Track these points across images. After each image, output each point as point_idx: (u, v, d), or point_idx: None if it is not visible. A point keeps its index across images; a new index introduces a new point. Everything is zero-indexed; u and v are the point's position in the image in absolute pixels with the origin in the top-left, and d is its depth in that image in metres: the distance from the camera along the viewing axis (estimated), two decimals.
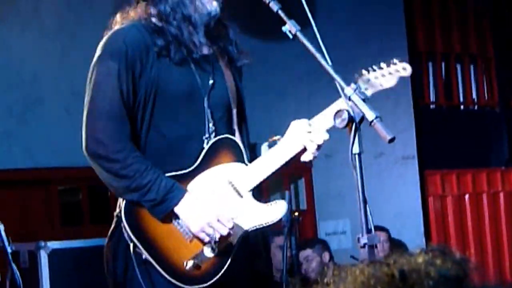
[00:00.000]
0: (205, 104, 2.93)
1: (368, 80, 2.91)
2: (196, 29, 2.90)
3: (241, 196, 2.93)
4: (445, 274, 0.90)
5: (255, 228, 2.94)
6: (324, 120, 2.94)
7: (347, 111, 2.49)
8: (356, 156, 2.55)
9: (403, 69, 2.82)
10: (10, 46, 5.71)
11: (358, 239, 2.55)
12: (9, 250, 3.53)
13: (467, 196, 8.05)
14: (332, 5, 7.24)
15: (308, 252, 5.90)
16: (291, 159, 2.98)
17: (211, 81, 2.96)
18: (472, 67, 8.36)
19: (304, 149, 2.95)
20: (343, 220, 7.04)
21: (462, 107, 8.36)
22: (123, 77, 2.82)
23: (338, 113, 2.51)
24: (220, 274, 2.87)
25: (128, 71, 2.82)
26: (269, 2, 2.71)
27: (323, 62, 2.60)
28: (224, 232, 2.85)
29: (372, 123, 2.46)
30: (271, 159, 2.97)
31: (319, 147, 2.98)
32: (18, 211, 5.58)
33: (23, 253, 4.75)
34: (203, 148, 2.90)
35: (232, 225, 2.87)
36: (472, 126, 8.15)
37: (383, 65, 2.86)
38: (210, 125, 2.93)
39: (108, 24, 2.95)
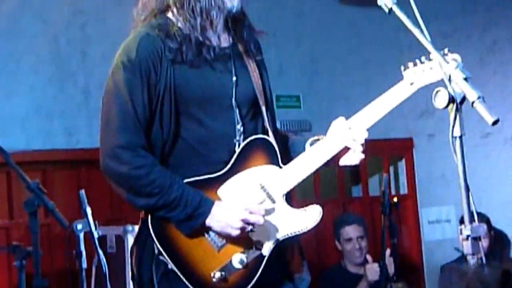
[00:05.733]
0: (233, 104, 2.86)
1: (415, 73, 2.82)
2: (212, 25, 2.83)
3: (274, 202, 2.85)
4: None
5: (288, 236, 2.86)
6: (365, 117, 2.86)
7: (448, 90, 2.41)
8: (457, 139, 2.45)
9: (452, 60, 2.65)
10: None
11: (461, 230, 2.47)
12: (95, 235, 3.55)
13: None
14: None
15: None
16: (329, 160, 2.90)
17: (234, 78, 2.88)
18: None
19: (345, 150, 2.88)
20: (448, 207, 6.88)
21: None
22: (137, 88, 2.76)
23: (438, 92, 2.43)
24: (249, 287, 2.80)
25: (142, 82, 2.77)
26: None
27: (421, 38, 2.51)
28: (261, 220, 2.78)
29: (474, 104, 2.37)
30: (308, 161, 2.88)
31: (362, 146, 2.87)
32: (108, 193, 5.67)
33: (110, 237, 4.82)
34: (234, 151, 2.83)
35: (263, 212, 2.80)
36: None
37: (432, 56, 2.72)
38: (238, 126, 2.86)
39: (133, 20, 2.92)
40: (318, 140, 2.93)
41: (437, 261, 6.51)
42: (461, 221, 2.46)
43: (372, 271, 5.53)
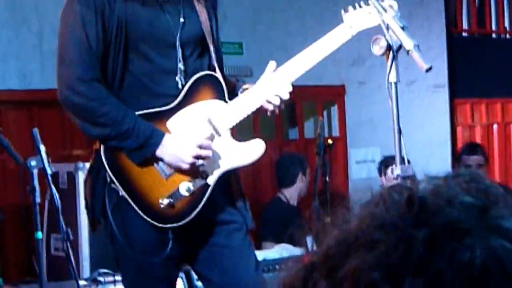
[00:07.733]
0: (177, 44, 2.77)
1: (354, 17, 2.74)
2: None
3: (220, 135, 2.80)
4: (469, 202, 0.74)
5: (233, 167, 2.82)
6: (308, 56, 2.80)
7: (386, 38, 2.34)
8: (393, 84, 2.41)
9: (389, 6, 2.57)
10: None
11: (392, 170, 2.43)
12: (49, 172, 3.45)
13: (495, 126, 7.86)
14: None
15: None
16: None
17: (181, 20, 2.80)
18: None
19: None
20: (373, 148, 6.90)
21: (494, 35, 8.10)
22: (91, 22, 2.68)
23: (376, 40, 2.37)
24: (194, 214, 2.75)
25: (96, 15, 2.68)
26: None
27: None
28: (210, 155, 2.74)
29: (410, 52, 2.32)
30: (252, 97, 2.82)
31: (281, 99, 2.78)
32: (59, 132, 5.53)
33: (62, 174, 4.70)
34: (177, 87, 2.78)
35: (212, 146, 2.76)
36: (504, 55, 7.87)
37: (371, 2, 2.64)
38: (180, 64, 2.77)
39: None
40: None
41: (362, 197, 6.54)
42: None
43: None
